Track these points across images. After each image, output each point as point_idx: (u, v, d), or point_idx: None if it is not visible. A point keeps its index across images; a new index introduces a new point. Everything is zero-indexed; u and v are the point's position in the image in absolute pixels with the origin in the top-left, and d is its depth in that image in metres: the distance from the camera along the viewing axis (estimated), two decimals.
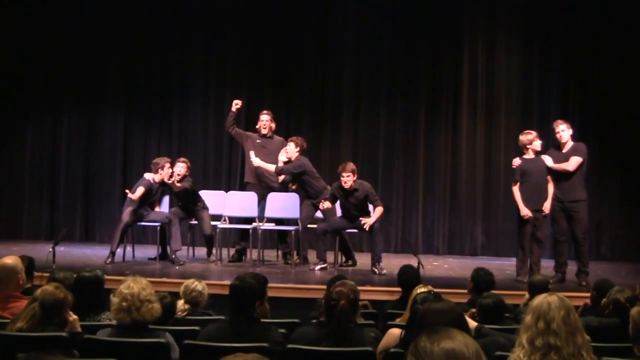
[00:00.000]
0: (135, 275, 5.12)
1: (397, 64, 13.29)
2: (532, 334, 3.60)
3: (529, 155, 9.93)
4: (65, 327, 4.88)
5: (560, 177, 9.80)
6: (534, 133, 10.02)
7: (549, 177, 9.85)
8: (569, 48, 12.89)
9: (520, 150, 10.08)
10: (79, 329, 4.97)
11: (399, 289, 7.17)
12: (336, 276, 6.96)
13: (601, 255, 12.53)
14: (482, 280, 6.83)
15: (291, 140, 10.88)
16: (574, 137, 9.99)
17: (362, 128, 13.39)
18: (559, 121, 10.06)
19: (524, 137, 10.00)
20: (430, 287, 6.33)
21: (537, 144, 9.92)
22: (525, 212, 9.78)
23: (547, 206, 9.83)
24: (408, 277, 7.01)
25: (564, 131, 9.80)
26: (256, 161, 10.92)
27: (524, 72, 13.09)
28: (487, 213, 13.04)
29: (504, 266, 10.73)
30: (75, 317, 5.01)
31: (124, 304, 4.85)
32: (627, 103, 12.59)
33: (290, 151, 10.77)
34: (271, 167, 10.86)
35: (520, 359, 3.58)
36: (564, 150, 9.82)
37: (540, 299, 3.70)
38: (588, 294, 7.16)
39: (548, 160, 9.78)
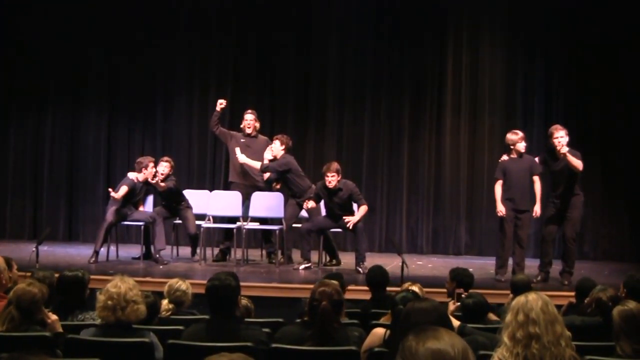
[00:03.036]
0: (123, 274, 5.11)
1: (381, 64, 13.30)
2: (512, 329, 3.63)
3: (513, 155, 9.97)
4: (46, 327, 4.86)
5: (557, 180, 9.77)
6: (520, 134, 10.02)
7: (535, 178, 9.87)
8: (553, 49, 12.93)
9: (506, 148, 10.11)
10: (60, 329, 4.95)
11: None
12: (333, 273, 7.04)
13: (584, 254, 12.56)
14: (465, 276, 6.87)
15: (277, 138, 10.88)
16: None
17: (346, 128, 13.40)
18: (558, 127, 9.77)
19: (509, 136, 10.03)
20: (419, 285, 6.36)
21: (521, 146, 9.93)
22: (500, 208, 9.85)
23: (537, 210, 9.85)
24: (375, 276, 7.00)
25: (563, 137, 9.56)
26: (242, 158, 10.91)
27: (508, 72, 13.12)
28: (470, 212, 13.07)
29: (487, 265, 10.76)
30: (54, 317, 4.99)
31: (109, 302, 4.84)
32: (610, 103, 12.65)
33: (275, 149, 10.77)
34: (256, 165, 10.86)
35: (503, 356, 3.60)
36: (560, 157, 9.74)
37: (519, 298, 3.77)
38: (570, 293, 7.20)
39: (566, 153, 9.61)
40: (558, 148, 9.54)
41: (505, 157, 10.06)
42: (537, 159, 9.96)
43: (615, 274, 10.19)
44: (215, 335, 4.69)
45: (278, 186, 11.18)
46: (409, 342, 2.33)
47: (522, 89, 13.07)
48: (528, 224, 10.10)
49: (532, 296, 3.72)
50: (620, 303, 4.77)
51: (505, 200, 9.86)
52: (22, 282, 5.04)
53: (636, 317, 4.50)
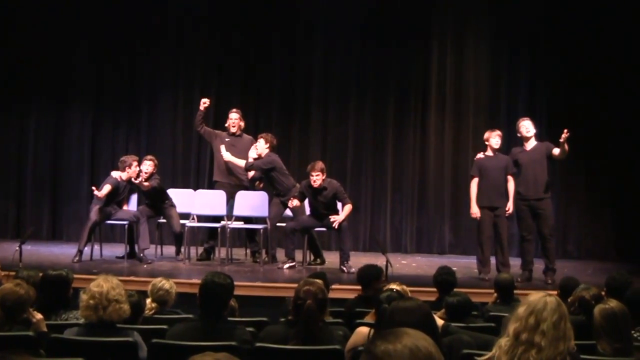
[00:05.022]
0: (107, 274, 5.09)
1: (365, 63, 13.31)
2: (519, 327, 3.59)
3: (489, 152, 10.05)
4: (30, 327, 4.84)
5: (525, 174, 9.87)
6: (496, 131, 10.13)
7: (509, 177, 9.95)
8: (537, 48, 13.00)
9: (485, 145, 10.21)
10: (45, 329, 4.93)
11: None
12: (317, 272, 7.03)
13: (568, 253, 12.64)
14: (443, 280, 6.91)
15: (261, 137, 10.88)
16: (540, 137, 10.06)
17: (331, 127, 13.41)
18: (523, 117, 10.21)
19: (486, 134, 10.15)
20: (403, 286, 6.37)
21: (494, 142, 10.02)
22: (474, 210, 9.96)
23: (509, 207, 9.92)
24: (368, 274, 7.02)
25: (530, 125, 9.89)
26: (227, 155, 10.90)
27: (492, 72, 13.18)
28: (454, 212, 13.10)
29: (471, 264, 10.78)
30: (40, 316, 4.97)
31: (91, 301, 4.83)
32: (593, 103, 12.70)
33: (260, 147, 10.77)
34: (241, 163, 10.86)
35: (502, 349, 3.60)
36: (528, 148, 9.88)
37: (539, 297, 3.70)
38: (554, 292, 7.22)
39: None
40: (527, 135, 9.88)
41: (481, 155, 10.14)
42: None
43: (599, 273, 10.24)
44: (200, 334, 4.69)
45: (261, 185, 11.18)
46: (380, 345, 2.23)
47: (506, 89, 13.13)
48: (506, 222, 10.15)
49: (551, 305, 3.64)
50: (602, 302, 4.80)
51: (480, 197, 9.94)
52: (10, 282, 5.02)
53: (617, 316, 4.52)
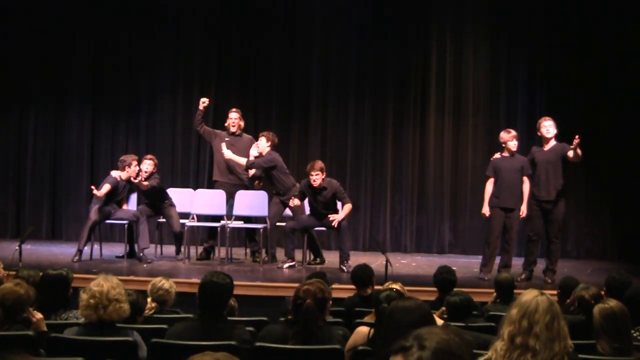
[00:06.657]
0: (107, 273, 5.09)
1: (365, 62, 13.30)
2: (514, 330, 3.58)
3: (505, 153, 10.02)
4: (30, 326, 4.84)
5: (538, 175, 9.85)
6: (512, 133, 10.08)
7: (525, 178, 9.92)
8: (536, 48, 12.98)
9: (500, 146, 10.18)
10: (44, 328, 4.93)
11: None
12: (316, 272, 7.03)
13: (567, 253, 12.62)
14: (444, 279, 6.92)
15: (262, 135, 10.87)
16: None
17: (330, 126, 13.40)
18: (545, 117, 10.10)
19: (502, 135, 10.11)
20: (400, 284, 6.37)
21: (512, 144, 9.97)
22: (485, 210, 9.95)
23: (523, 210, 9.90)
24: (360, 275, 7.06)
25: (551, 126, 9.84)
26: (227, 153, 10.89)
27: (491, 72, 13.15)
28: (454, 211, 13.10)
29: (471, 264, 10.79)
30: (39, 316, 4.97)
31: (91, 301, 4.83)
32: (593, 102, 12.70)
33: (261, 146, 10.76)
34: (242, 161, 10.86)
35: (498, 353, 3.59)
36: (546, 148, 9.86)
37: (530, 297, 3.66)
38: (553, 292, 7.23)
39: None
40: (547, 136, 9.81)
41: (497, 155, 10.12)
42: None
43: (598, 273, 10.25)
44: (200, 334, 4.69)
45: (261, 184, 11.18)
46: (443, 338, 2.19)
47: (506, 88, 13.10)
48: (516, 224, 10.14)
49: (543, 306, 3.61)
50: (601, 301, 4.80)
51: (494, 197, 9.91)
52: (10, 282, 5.02)
53: (616, 316, 4.52)
